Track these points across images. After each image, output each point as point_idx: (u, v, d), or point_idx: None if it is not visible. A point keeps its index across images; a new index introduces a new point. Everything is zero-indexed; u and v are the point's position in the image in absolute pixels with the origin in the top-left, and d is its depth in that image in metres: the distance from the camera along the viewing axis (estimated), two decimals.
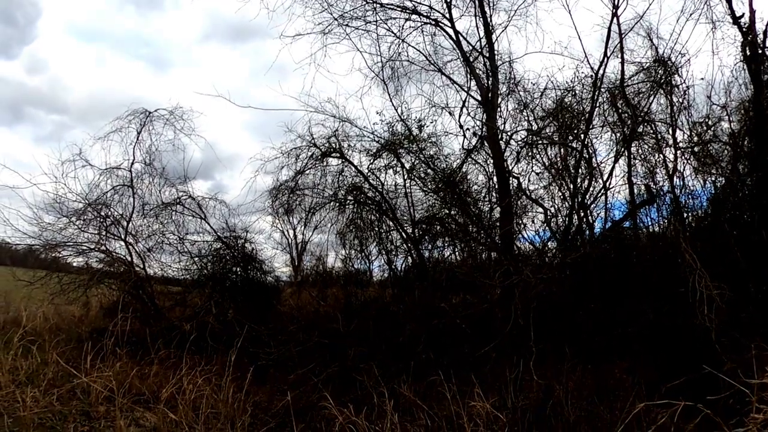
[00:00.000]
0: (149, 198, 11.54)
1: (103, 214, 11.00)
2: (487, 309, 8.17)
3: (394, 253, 11.72)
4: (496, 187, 10.43)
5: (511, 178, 9.97)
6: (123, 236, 11.04)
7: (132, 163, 11.33)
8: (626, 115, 9.34)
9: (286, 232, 18.00)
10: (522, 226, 10.45)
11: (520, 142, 10.01)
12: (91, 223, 10.92)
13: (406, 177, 11.15)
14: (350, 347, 7.89)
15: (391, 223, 11.09)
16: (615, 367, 7.14)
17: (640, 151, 9.76)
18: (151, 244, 11.46)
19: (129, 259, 10.96)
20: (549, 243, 9.82)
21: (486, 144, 10.44)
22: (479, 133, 10.46)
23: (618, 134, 9.71)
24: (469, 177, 11.48)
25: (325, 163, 11.28)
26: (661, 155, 9.36)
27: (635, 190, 9.63)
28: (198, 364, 7.51)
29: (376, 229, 11.65)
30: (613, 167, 9.59)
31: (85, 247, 10.78)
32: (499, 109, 10.39)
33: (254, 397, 7.03)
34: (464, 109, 10.66)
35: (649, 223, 9.74)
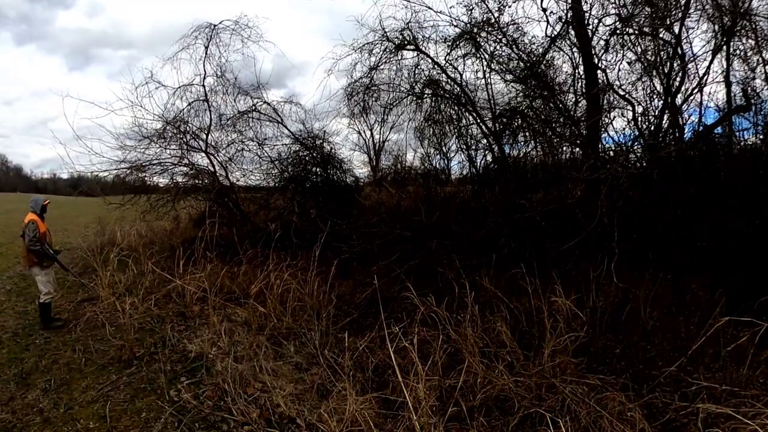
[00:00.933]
0: (225, 109, 11.57)
1: (182, 130, 11.20)
2: (569, 205, 7.83)
3: (474, 147, 11.10)
4: (582, 77, 9.56)
5: (598, 71, 9.12)
6: (204, 148, 11.23)
7: (204, 78, 11.30)
8: (725, 7, 8.08)
9: (362, 132, 17.92)
10: (609, 121, 9.67)
11: (608, 29, 9.01)
12: (172, 139, 11.18)
13: (485, 67, 10.14)
14: (432, 240, 7.65)
15: (470, 117, 10.31)
16: (696, 280, 6.55)
17: (739, 50, 8.52)
18: (232, 152, 11.61)
19: (212, 169, 11.22)
20: (636, 143, 9.09)
21: (571, 30, 9.48)
22: (564, 18, 9.47)
23: (717, 26, 8.48)
24: (554, 65, 10.49)
25: (399, 57, 10.53)
26: (761, 57, 8.16)
27: (732, 94, 8.37)
28: (284, 261, 7.67)
29: (456, 123, 10.95)
30: (710, 65, 8.28)
31: (169, 164, 11.12)
32: None
33: (338, 289, 7.09)
34: None
35: (744, 132, 8.59)
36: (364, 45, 10.36)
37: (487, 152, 10.58)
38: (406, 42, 10.06)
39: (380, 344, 5.23)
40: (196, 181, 11.28)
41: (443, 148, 12.11)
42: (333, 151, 11.43)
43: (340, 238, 8.28)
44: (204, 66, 11.21)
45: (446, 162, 12.75)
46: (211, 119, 11.38)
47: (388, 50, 10.31)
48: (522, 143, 10.31)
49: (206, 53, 11.14)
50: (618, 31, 8.75)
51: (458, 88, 10.03)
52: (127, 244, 10.34)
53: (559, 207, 7.78)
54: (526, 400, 4.23)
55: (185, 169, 11.26)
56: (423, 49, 10.05)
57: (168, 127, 11.14)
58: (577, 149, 9.42)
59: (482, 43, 9.64)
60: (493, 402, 4.27)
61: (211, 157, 11.30)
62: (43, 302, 7.07)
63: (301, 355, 5.45)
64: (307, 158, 11.09)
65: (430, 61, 10.18)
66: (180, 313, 7.28)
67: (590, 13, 9.02)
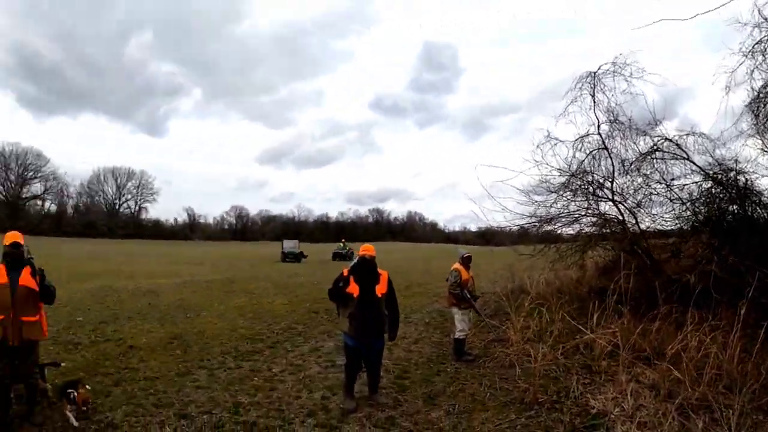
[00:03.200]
0: (625, 153, 11.15)
1: (586, 180, 11.39)
2: None
3: None
4: None
5: None
6: (610, 197, 11.16)
7: (598, 126, 11.28)
8: None
9: None
10: None
11: None
12: (578, 191, 11.49)
13: None
14: None
15: None
16: None
17: None
18: (639, 198, 10.99)
19: (620, 217, 11.00)
20: None
21: None
22: None
23: None
24: None
25: None
26: None
27: None
28: (704, 319, 6.87)
29: None
30: None
31: (576, 215, 11.48)
32: None
33: (765, 360, 5.85)
34: None
35: None
36: (753, 46, 8.59)
37: None
38: None
39: None
40: (604, 230, 11.23)
41: None
42: (749, 182, 9.50)
43: None
44: (595, 114, 11.26)
45: None
46: (613, 166, 11.23)
47: None
48: None
49: (594, 101, 11.17)
50: None
51: None
52: (536, 291, 11.22)
53: None
54: None
55: (593, 219, 11.38)
56: None
57: (572, 179, 11.58)
58: None
59: None
60: None
61: (619, 204, 11.09)
62: (457, 337, 8.37)
63: None
64: (720, 195, 9.61)
65: None
66: (586, 365, 7.40)
67: None
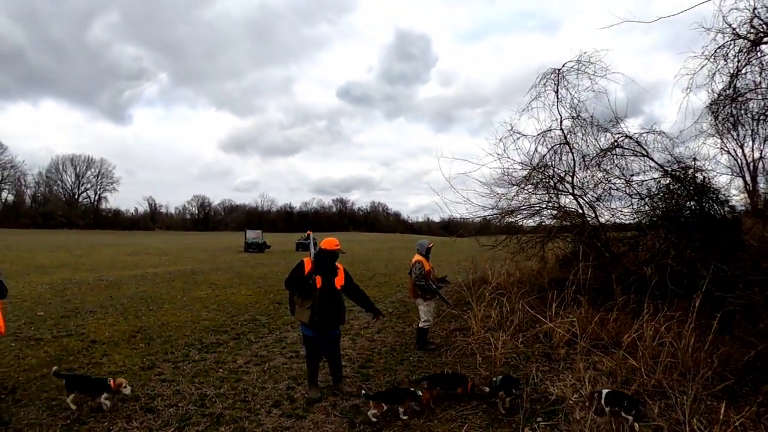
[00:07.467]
0: (587, 149, 11.43)
1: (548, 174, 11.57)
2: None
3: None
4: None
5: None
6: (570, 190, 11.39)
7: (561, 122, 11.50)
8: None
9: (732, 152, 14.77)
10: None
11: None
12: (539, 185, 11.66)
13: None
14: None
15: None
16: None
17: None
18: (599, 192, 11.24)
19: (580, 210, 11.22)
20: None
21: None
22: None
23: None
24: None
25: (759, 54, 8.58)
26: None
27: None
28: (660, 309, 7.07)
29: None
30: None
31: (537, 208, 11.62)
32: None
33: (717, 348, 6.07)
34: None
35: None
36: (715, 50, 8.90)
37: None
38: (762, 34, 8.19)
39: (756, 422, 4.21)
40: (565, 223, 11.43)
41: None
42: (707, 180, 9.85)
43: (724, 286, 7.01)
44: (558, 110, 11.47)
45: None
46: (574, 161, 11.45)
47: (743, 50, 8.62)
48: None
49: (557, 97, 11.37)
50: None
51: None
52: (497, 282, 11.41)
53: None
54: None
55: (553, 212, 11.56)
56: None
57: (534, 173, 11.72)
58: None
59: None
60: None
61: (579, 198, 11.29)
62: (421, 327, 8.44)
63: (664, 420, 4.88)
64: (678, 191, 9.86)
65: None
66: (545, 354, 7.58)
67: None
